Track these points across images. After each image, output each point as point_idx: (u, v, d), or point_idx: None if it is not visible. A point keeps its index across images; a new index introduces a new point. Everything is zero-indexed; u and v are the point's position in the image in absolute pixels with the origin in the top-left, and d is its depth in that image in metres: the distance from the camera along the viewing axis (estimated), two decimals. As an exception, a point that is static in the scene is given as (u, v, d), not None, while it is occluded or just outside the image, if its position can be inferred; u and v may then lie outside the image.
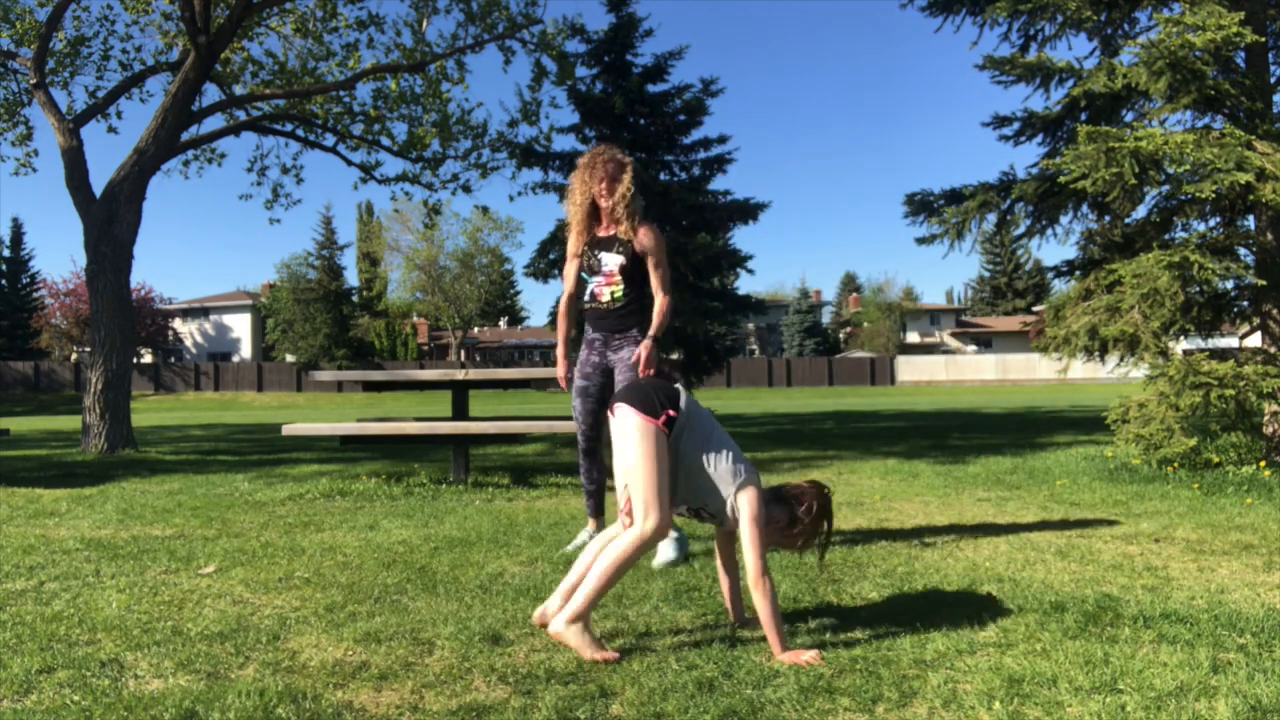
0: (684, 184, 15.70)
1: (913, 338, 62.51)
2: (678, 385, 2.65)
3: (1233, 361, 5.64)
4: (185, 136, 10.95)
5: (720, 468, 2.53)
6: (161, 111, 10.10)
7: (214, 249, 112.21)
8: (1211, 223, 6.47)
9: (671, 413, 2.51)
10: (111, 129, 12.82)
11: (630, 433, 2.49)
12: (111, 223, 9.78)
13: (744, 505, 2.49)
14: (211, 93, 12.31)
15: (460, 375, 6.25)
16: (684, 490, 2.56)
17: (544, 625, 2.46)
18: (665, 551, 3.53)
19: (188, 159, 13.20)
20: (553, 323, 16.52)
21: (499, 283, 57.85)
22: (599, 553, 2.53)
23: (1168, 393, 5.69)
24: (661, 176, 15.93)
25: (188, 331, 58.77)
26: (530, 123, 12.93)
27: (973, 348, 60.18)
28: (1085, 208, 7.14)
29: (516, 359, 59.49)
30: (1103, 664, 2.27)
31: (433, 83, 12.32)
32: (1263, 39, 5.99)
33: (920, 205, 7.57)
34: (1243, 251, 6.29)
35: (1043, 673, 2.21)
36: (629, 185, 3.64)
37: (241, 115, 12.19)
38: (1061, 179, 6.10)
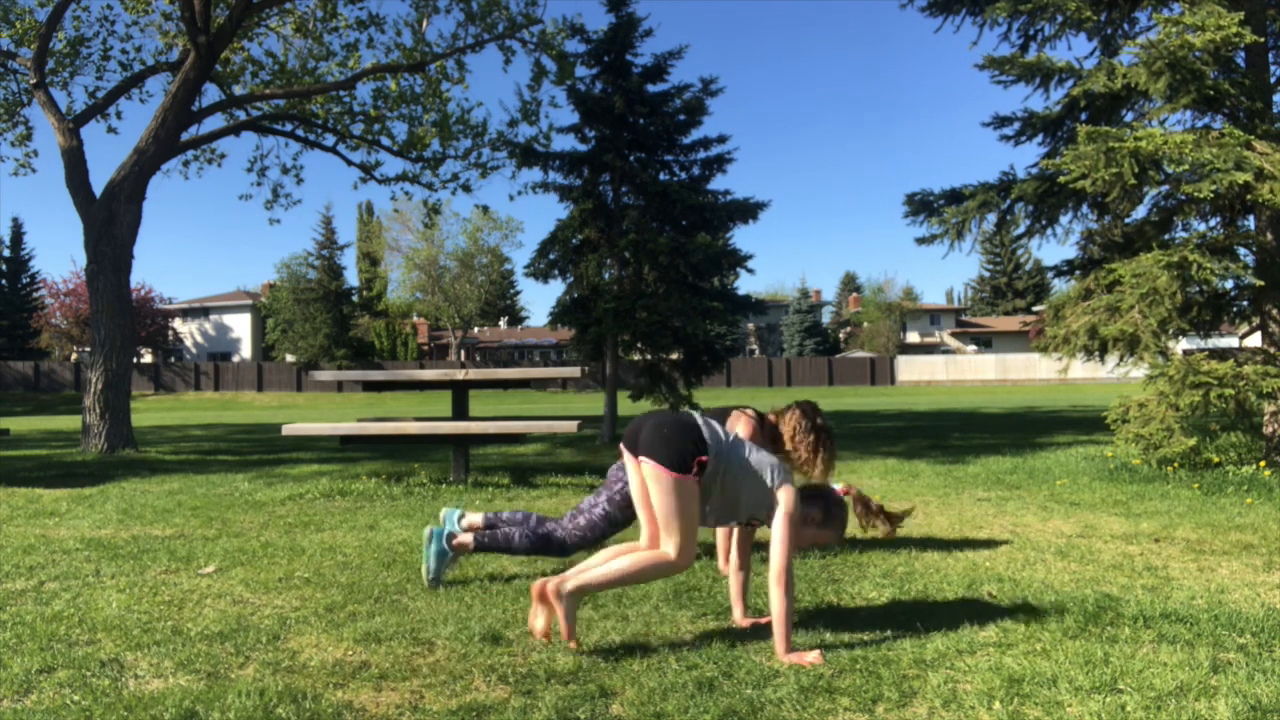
0: (684, 184, 15.67)
1: (913, 338, 62.49)
2: (693, 414, 2.64)
3: (1232, 361, 5.64)
4: (185, 136, 10.95)
5: (765, 475, 2.57)
6: (161, 111, 10.10)
7: (214, 249, 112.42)
8: (1211, 223, 6.47)
9: (703, 459, 2.50)
10: (111, 129, 12.84)
11: (662, 487, 2.48)
12: (111, 223, 9.78)
13: (783, 500, 2.52)
14: (211, 93, 12.32)
15: (460, 375, 6.24)
16: (742, 509, 2.60)
17: (541, 597, 2.45)
18: (432, 565, 3.26)
19: (188, 159, 13.22)
20: (552, 323, 16.52)
21: (499, 283, 57.83)
22: (618, 554, 2.56)
23: (1167, 392, 5.69)
24: (661, 176, 15.93)
25: (188, 331, 58.76)
26: (530, 122, 12.95)
27: (973, 348, 60.16)
28: (1085, 208, 7.15)
29: (516, 359, 59.49)
30: (1103, 664, 2.27)
31: (433, 82, 12.32)
32: (1262, 39, 5.99)
33: (920, 205, 7.57)
34: (1242, 251, 6.28)
35: (1043, 673, 2.21)
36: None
37: (241, 115, 12.19)
38: (1061, 179, 6.10)
